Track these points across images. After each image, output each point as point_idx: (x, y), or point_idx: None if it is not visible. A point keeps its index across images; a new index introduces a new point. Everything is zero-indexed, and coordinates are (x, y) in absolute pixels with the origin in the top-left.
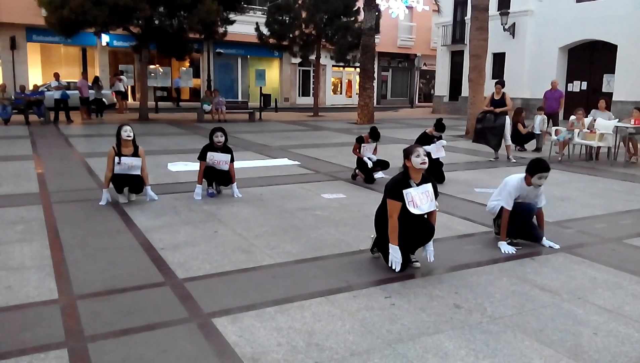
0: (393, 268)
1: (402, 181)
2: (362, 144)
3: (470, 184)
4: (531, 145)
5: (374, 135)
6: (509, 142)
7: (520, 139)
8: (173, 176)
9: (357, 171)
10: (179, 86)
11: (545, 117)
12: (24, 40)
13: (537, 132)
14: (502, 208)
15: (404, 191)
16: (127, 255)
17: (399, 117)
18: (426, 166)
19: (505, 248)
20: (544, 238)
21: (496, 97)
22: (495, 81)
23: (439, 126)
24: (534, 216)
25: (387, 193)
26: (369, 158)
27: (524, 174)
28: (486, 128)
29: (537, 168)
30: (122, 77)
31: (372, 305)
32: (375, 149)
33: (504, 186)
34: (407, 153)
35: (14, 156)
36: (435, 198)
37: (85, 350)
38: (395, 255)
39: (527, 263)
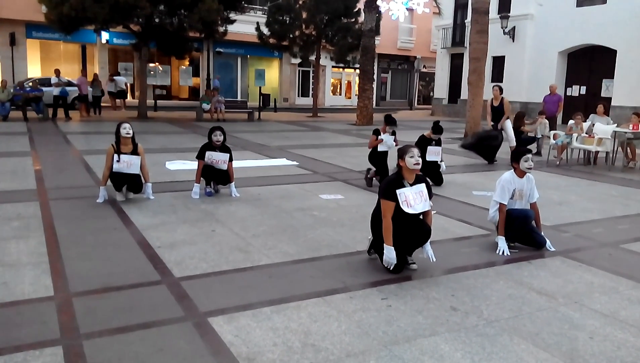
0: (387, 267)
1: (395, 181)
2: (380, 136)
3: (468, 187)
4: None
5: (390, 121)
6: (513, 143)
7: (520, 143)
8: (171, 175)
9: (369, 171)
10: (217, 87)
11: (547, 121)
12: (23, 37)
13: (538, 136)
14: (499, 205)
15: (398, 191)
16: (124, 252)
17: (397, 118)
18: (419, 166)
19: (503, 244)
20: (544, 236)
21: (495, 103)
22: (494, 84)
23: (436, 129)
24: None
25: (381, 193)
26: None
27: (512, 170)
28: (488, 145)
29: (519, 154)
30: (114, 78)
31: (368, 306)
32: (396, 139)
33: (497, 183)
34: (401, 153)
35: (12, 152)
36: (430, 198)
37: (81, 348)
38: (389, 255)
39: (524, 267)
